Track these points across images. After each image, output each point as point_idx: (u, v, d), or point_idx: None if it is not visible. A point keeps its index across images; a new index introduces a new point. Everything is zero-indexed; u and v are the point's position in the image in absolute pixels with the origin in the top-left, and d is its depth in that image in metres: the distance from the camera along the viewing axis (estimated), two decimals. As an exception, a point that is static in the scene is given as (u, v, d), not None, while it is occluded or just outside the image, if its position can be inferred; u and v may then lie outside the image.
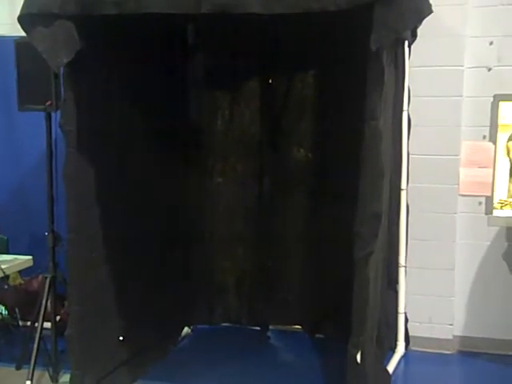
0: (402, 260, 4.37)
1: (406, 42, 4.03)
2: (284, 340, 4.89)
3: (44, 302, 3.99)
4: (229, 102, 4.84)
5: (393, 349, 4.43)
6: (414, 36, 4.11)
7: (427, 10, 3.38)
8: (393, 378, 3.98)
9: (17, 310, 4.88)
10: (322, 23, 4.00)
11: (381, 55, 3.15)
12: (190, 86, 4.79)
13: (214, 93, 4.84)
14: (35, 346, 3.92)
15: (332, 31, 4.22)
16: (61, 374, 4.04)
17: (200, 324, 5.08)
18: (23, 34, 4.31)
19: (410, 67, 4.14)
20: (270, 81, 4.78)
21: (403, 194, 4.30)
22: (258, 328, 5.02)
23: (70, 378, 3.60)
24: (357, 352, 3.27)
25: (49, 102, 3.86)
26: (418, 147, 4.38)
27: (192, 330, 5.00)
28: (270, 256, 4.88)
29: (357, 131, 3.37)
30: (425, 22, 3.52)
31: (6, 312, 4.98)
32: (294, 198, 4.73)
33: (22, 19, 3.23)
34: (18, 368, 4.16)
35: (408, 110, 4.25)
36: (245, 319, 5.03)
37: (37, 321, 4.07)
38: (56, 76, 3.79)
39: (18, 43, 3.91)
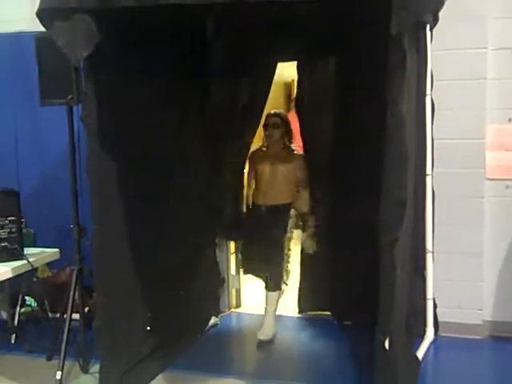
0: (429, 246, 4.33)
1: (428, 26, 3.96)
2: (312, 327, 4.89)
3: (72, 293, 4.02)
4: (247, 92, 4.83)
5: (422, 335, 4.40)
6: (435, 19, 4.03)
7: (448, -7, 3.32)
8: (422, 365, 3.96)
9: (46, 302, 4.94)
10: (341, 10, 3.97)
11: (402, 39, 3.10)
12: (208, 78, 4.77)
13: (232, 84, 4.82)
14: (65, 337, 3.96)
15: (351, 18, 4.16)
16: (91, 364, 4.09)
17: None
18: (43, 29, 4.39)
19: (432, 51, 4.07)
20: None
21: (428, 180, 4.26)
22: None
23: (100, 369, 3.64)
24: (385, 339, 3.25)
25: (70, 96, 3.88)
26: (442, 132, 4.32)
27: (219, 320, 5.02)
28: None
29: (380, 117, 3.32)
30: (447, 4, 3.47)
31: (36, 304, 5.05)
32: (318, 186, 4.71)
33: (41, 14, 3.22)
34: (49, 359, 4.22)
35: (431, 95, 4.19)
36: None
37: (66, 312, 4.11)
38: (76, 70, 3.80)
39: (39, 38, 3.93)
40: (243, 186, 4.99)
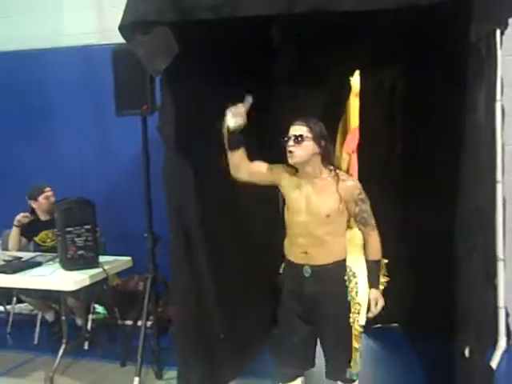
0: (500, 253, 4.28)
1: (498, 31, 3.93)
2: (378, 339, 4.84)
3: (146, 301, 4.09)
4: (313, 101, 4.83)
5: (493, 344, 4.34)
6: (506, 24, 4.00)
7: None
8: (496, 374, 3.90)
9: (116, 310, 5.04)
10: (407, 18, 3.96)
11: (480, 46, 3.10)
12: (275, 87, 4.80)
13: (299, 93, 4.83)
14: (140, 344, 4.04)
15: (418, 26, 4.14)
16: (164, 370, 4.16)
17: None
18: (111, 41, 4.51)
19: (501, 56, 4.04)
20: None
21: (499, 186, 4.20)
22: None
23: (177, 375, 3.69)
24: (464, 348, 3.23)
25: (145, 107, 3.97)
26: (512, 138, 4.28)
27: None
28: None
29: (454, 125, 3.32)
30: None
31: (106, 311, 5.16)
32: (390, 194, 4.69)
33: (123, 28, 3.32)
34: (123, 365, 4.31)
35: (501, 100, 4.15)
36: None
37: (139, 319, 4.19)
38: (151, 81, 3.90)
39: (115, 51, 4.03)
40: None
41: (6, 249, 4.92)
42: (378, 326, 4.94)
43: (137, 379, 3.92)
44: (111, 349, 4.56)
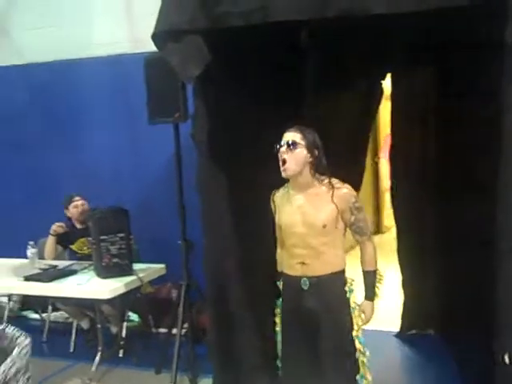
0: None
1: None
2: (414, 345, 4.79)
3: (181, 309, 4.09)
4: (344, 103, 4.80)
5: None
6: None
7: None
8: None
9: (150, 318, 5.06)
10: (440, 19, 3.92)
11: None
12: (305, 92, 4.78)
13: (330, 96, 4.80)
14: (175, 351, 4.05)
15: (451, 27, 4.10)
16: (199, 378, 4.16)
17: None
18: (142, 50, 4.54)
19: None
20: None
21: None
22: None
23: (213, 382, 3.69)
24: (504, 354, 3.16)
25: (177, 114, 3.99)
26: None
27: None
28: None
29: (490, 126, 3.27)
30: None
31: (139, 319, 5.18)
32: (425, 197, 4.65)
33: (156, 37, 3.33)
34: (158, 372, 4.32)
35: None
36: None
37: (173, 327, 4.20)
38: (183, 88, 3.92)
39: (147, 59, 4.06)
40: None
41: (41, 257, 4.97)
42: (413, 332, 4.91)
43: (173, 386, 3.93)
44: (146, 356, 4.58)
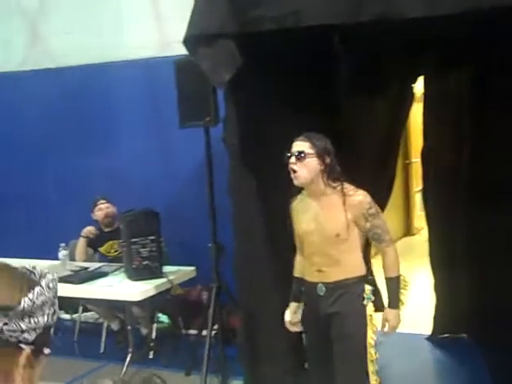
0: None
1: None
2: (446, 348, 4.75)
3: (212, 311, 4.10)
4: (377, 107, 4.77)
5: None
6: None
7: None
8: None
9: (180, 319, 5.09)
10: (477, 20, 3.87)
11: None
12: (337, 96, 4.75)
13: (363, 101, 4.77)
14: (206, 353, 4.05)
15: (486, 29, 4.06)
16: (229, 380, 4.16)
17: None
18: (171, 54, 4.57)
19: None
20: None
21: None
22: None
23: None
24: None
25: (208, 118, 4.00)
26: None
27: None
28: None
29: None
30: None
31: (169, 321, 5.21)
32: (458, 200, 4.60)
33: (187, 41, 3.35)
34: (188, 374, 4.33)
35: None
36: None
37: (203, 329, 4.21)
38: (214, 92, 3.93)
39: (178, 63, 4.08)
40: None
41: (72, 259, 5.02)
42: (446, 335, 4.86)
43: (203, 389, 3.94)
44: (176, 358, 4.59)
